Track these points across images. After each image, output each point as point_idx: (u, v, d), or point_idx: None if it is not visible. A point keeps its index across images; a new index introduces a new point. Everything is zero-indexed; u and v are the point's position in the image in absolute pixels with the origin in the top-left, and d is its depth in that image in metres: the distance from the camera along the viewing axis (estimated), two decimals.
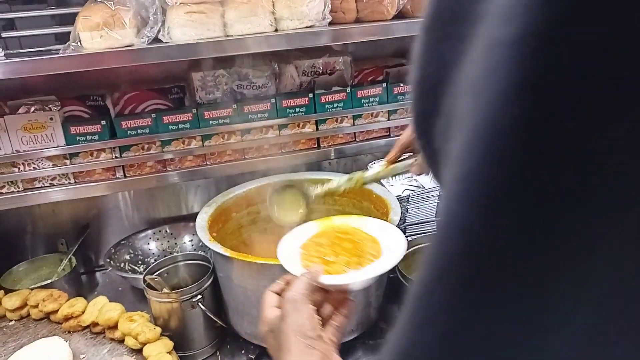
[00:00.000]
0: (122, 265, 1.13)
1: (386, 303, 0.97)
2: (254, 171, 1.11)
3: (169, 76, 1.14)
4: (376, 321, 0.95)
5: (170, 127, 1.04)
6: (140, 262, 1.16)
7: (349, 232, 0.70)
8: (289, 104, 1.08)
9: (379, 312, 0.95)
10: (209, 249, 0.88)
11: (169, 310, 0.89)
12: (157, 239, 1.21)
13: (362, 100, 1.13)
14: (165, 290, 0.89)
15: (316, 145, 1.14)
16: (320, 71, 1.15)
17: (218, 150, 1.08)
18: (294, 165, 1.14)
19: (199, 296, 0.88)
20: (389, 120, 1.16)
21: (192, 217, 1.01)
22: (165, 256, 1.06)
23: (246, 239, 1.07)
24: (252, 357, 0.90)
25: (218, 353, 0.93)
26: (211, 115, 1.06)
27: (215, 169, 1.09)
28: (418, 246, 1.01)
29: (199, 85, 1.08)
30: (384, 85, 1.13)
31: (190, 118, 1.05)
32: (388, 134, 1.18)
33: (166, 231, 1.22)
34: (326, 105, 1.11)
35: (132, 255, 1.17)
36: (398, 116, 1.16)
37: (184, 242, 1.21)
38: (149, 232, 1.21)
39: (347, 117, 1.13)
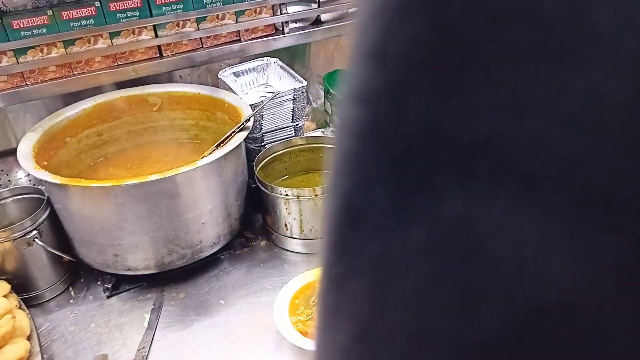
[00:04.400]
0: None
1: (249, 213, 0.95)
2: (87, 88, 0.98)
3: None
4: (240, 231, 0.94)
5: None
6: None
7: None
8: (117, 7, 0.95)
9: (242, 223, 0.93)
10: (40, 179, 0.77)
11: (1, 252, 0.79)
12: None
13: (205, 1, 1.03)
14: None
15: (158, 55, 1.03)
16: None
17: (38, 67, 0.93)
18: (136, 79, 1.03)
19: (35, 232, 0.79)
20: (237, 22, 1.08)
21: None
22: None
23: (89, 165, 0.96)
24: (109, 286, 0.84)
25: (71, 288, 0.86)
26: (21, 25, 0.89)
27: (38, 89, 0.94)
28: (275, 154, 0.99)
29: None
30: None
31: None
32: (238, 38, 1.11)
33: None
34: (163, 8, 0.99)
35: None
36: (246, 18, 1.09)
37: (19, 179, 1.06)
38: None
39: (189, 20, 1.03)
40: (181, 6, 1.00)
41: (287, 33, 1.14)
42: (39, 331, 0.75)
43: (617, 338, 0.11)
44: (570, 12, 0.10)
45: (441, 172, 0.12)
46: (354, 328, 0.14)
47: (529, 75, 0.11)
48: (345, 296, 0.14)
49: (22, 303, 0.77)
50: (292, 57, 1.26)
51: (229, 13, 1.06)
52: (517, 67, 0.11)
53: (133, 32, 0.98)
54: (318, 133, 1.18)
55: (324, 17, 1.19)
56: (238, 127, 0.86)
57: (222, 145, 0.86)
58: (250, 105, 0.94)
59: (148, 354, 0.74)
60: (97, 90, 0.99)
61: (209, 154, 0.85)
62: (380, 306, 0.13)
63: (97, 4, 0.93)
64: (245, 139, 0.88)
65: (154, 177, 0.74)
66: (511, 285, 0.11)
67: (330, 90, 1.16)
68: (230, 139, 0.85)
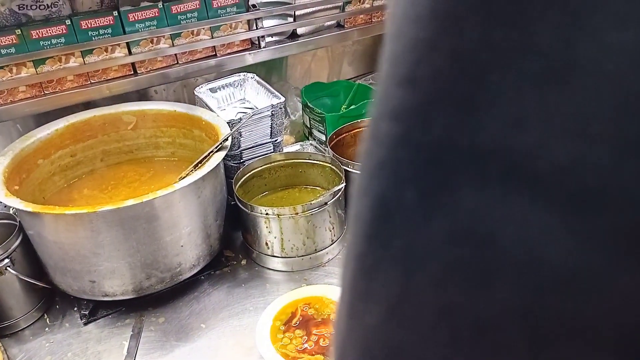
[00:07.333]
0: None
1: (228, 231, 0.94)
2: (60, 108, 0.96)
3: None
4: (220, 250, 0.93)
5: None
6: None
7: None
8: (89, 25, 0.93)
9: (222, 242, 0.92)
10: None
11: None
12: None
13: (179, 17, 1.01)
14: None
15: (132, 72, 1.01)
16: None
17: (7, 88, 0.90)
18: (110, 97, 1.01)
19: (6, 260, 0.76)
20: (212, 38, 1.07)
21: None
22: None
23: (62, 187, 0.94)
24: (86, 312, 0.82)
25: (46, 316, 0.84)
26: None
27: (7, 110, 0.92)
28: (254, 171, 0.98)
29: None
30: None
31: None
32: (214, 53, 1.10)
33: None
34: (137, 25, 0.97)
35: None
36: (222, 33, 1.08)
37: None
38: None
39: (163, 37, 1.01)
40: (155, 23, 0.99)
41: (263, 47, 1.14)
42: None
43: (609, 302, 0.13)
44: (560, 45, 0.13)
45: (460, 175, 0.15)
46: (383, 309, 0.16)
47: (529, 97, 0.13)
48: (376, 282, 0.17)
49: None
50: (269, 70, 1.26)
51: (204, 29, 1.05)
52: (519, 90, 0.14)
53: (106, 50, 0.96)
54: (297, 147, 1.17)
55: (300, 30, 1.19)
56: (216, 147, 0.85)
57: (200, 165, 0.85)
58: (227, 122, 0.93)
59: None
60: (69, 110, 0.97)
61: (187, 175, 0.84)
62: (408, 288, 0.16)
63: (68, 22, 0.91)
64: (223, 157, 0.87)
65: (130, 202, 0.73)
66: (519, 266, 0.14)
67: (308, 103, 1.16)
68: (209, 158, 0.84)
